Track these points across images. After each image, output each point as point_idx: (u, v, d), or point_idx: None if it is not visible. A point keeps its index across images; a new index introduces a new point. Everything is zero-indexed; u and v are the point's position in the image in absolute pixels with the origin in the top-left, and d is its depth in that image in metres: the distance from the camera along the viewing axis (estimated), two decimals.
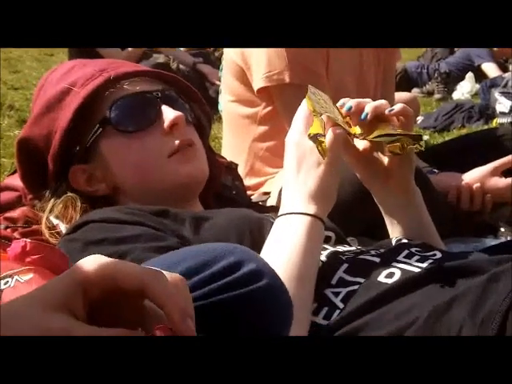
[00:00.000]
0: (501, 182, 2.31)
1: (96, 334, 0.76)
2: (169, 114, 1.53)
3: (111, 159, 1.55)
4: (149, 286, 0.78)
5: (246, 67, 2.31)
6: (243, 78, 2.34)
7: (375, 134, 1.38)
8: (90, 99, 1.52)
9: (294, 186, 1.38)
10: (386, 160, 1.46)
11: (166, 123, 1.53)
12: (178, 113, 1.53)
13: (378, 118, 1.40)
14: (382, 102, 1.42)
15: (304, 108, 1.41)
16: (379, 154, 1.46)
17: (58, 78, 1.60)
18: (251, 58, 2.29)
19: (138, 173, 1.55)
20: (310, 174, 1.36)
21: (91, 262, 0.79)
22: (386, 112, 1.39)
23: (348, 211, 1.70)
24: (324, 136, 1.34)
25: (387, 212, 1.53)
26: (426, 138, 1.35)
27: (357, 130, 1.40)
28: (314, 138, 1.35)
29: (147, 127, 1.54)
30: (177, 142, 1.54)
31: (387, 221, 1.54)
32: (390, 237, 1.54)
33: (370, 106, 1.39)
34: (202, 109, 1.69)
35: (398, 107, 1.40)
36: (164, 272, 0.81)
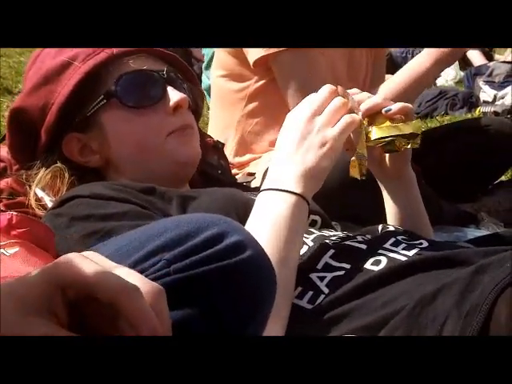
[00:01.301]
0: None
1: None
2: (174, 95, 1.54)
3: (110, 132, 1.55)
4: (121, 304, 0.75)
5: None
6: (236, 51, 2.34)
7: (373, 135, 1.39)
8: (91, 75, 1.52)
9: (288, 160, 1.36)
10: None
11: (171, 103, 1.53)
12: (182, 95, 1.55)
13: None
14: (378, 100, 1.41)
15: (326, 90, 1.40)
16: None
17: (57, 50, 1.58)
18: None
19: (135, 149, 1.55)
20: (311, 153, 1.34)
21: (70, 262, 0.76)
22: (383, 112, 1.40)
23: (334, 196, 1.70)
24: (367, 160, 1.37)
25: (384, 195, 1.57)
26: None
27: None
28: (359, 158, 1.37)
29: (152, 105, 1.54)
30: (178, 123, 1.55)
31: (385, 203, 1.58)
32: (387, 219, 1.57)
33: (363, 106, 1.40)
34: (198, 90, 1.70)
35: (395, 107, 1.40)
36: (143, 283, 0.78)
